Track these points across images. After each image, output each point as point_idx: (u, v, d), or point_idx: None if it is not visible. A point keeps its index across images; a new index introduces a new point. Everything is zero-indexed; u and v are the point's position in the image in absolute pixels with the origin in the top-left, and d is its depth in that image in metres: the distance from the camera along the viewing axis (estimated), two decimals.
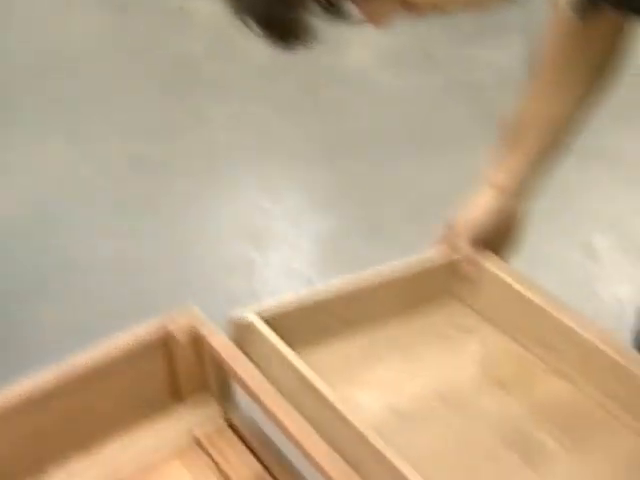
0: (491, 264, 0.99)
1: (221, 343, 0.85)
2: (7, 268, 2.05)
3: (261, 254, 2.16)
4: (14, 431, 0.81)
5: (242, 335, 0.87)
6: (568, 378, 0.91)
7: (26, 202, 2.31)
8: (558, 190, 2.29)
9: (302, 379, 0.80)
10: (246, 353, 0.85)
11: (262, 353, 0.85)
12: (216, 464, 0.84)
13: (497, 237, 1.00)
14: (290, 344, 0.84)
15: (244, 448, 0.86)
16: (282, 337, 0.85)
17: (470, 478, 0.81)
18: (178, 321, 0.87)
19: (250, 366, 0.83)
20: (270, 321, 0.86)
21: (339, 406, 0.77)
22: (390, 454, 0.72)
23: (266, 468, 0.84)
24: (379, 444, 0.73)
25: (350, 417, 0.76)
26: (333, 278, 0.94)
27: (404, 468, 0.71)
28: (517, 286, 0.96)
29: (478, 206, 0.98)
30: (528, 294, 0.95)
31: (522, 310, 0.95)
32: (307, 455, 0.75)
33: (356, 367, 0.92)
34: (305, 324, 0.92)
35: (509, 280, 0.97)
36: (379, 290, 0.96)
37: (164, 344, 0.86)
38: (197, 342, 0.86)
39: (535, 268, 2.03)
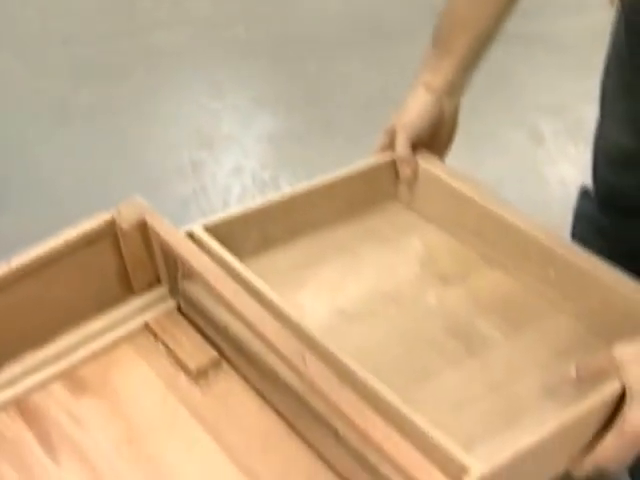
0: (428, 163, 1.01)
1: (168, 230, 0.85)
2: None
3: (212, 156, 2.14)
4: None
5: None
6: (506, 269, 0.94)
7: None
8: (505, 78, 2.30)
9: (247, 284, 0.81)
10: None
11: None
12: (171, 351, 0.86)
13: (432, 136, 1.02)
14: (236, 254, 0.85)
15: (197, 335, 0.88)
16: (228, 248, 0.86)
17: (415, 368, 0.82)
18: (125, 212, 0.87)
19: (197, 251, 0.83)
20: (214, 232, 0.87)
21: (284, 307, 0.78)
22: (334, 349, 0.74)
23: (221, 354, 0.85)
24: (323, 341, 0.74)
25: (294, 317, 0.77)
26: (285, 178, 0.95)
27: (348, 361, 0.73)
28: (453, 182, 0.98)
29: (413, 108, 1.00)
30: (463, 189, 0.97)
31: (459, 206, 0.97)
32: (260, 335, 0.76)
33: (300, 272, 0.93)
34: (249, 234, 0.93)
35: (445, 177, 0.99)
36: (321, 196, 0.97)
37: (111, 235, 0.86)
38: (145, 231, 0.86)
39: (484, 154, 2.07)
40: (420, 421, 0.67)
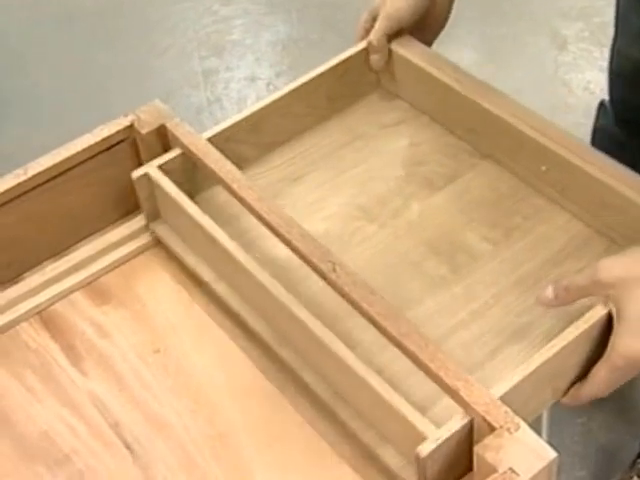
0: (405, 49, 0.92)
1: (189, 135, 0.82)
2: None
3: (224, 64, 2.09)
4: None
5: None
6: (499, 164, 0.87)
7: None
8: None
9: (200, 228, 0.77)
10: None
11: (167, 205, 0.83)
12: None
13: (420, 23, 0.93)
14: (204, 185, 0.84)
15: None
16: (194, 179, 0.83)
17: (396, 297, 0.77)
18: (144, 117, 0.84)
19: (219, 156, 0.80)
20: (177, 168, 0.83)
21: (240, 257, 0.75)
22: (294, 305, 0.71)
23: None
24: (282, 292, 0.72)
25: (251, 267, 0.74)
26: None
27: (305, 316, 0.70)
28: (433, 71, 0.89)
29: None
30: (444, 78, 0.88)
31: (442, 95, 0.90)
32: (286, 241, 0.74)
33: (279, 189, 0.88)
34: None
35: (424, 65, 0.90)
36: (298, 99, 0.90)
37: (130, 141, 0.83)
38: (164, 137, 0.83)
39: (503, 58, 2.01)
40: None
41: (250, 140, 0.89)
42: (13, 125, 1.95)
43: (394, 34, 0.92)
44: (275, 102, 0.89)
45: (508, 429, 0.59)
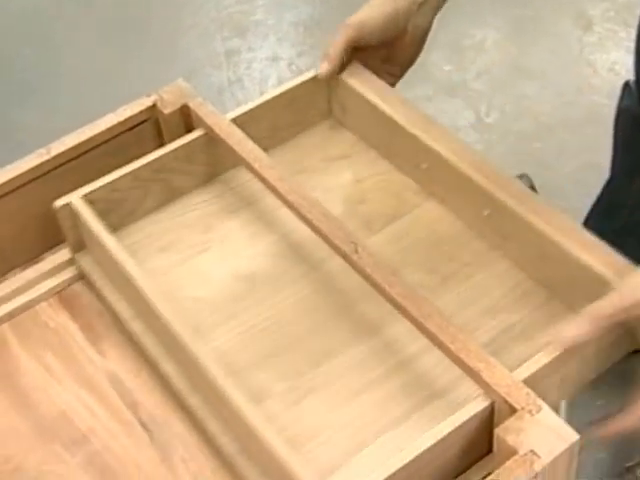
0: (355, 78, 0.86)
1: (212, 115, 0.82)
2: None
3: (246, 44, 2.08)
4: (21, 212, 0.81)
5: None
6: (443, 204, 0.82)
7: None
8: None
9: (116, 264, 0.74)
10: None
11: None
12: None
13: (387, 47, 0.87)
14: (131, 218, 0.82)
15: None
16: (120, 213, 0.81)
17: (321, 340, 0.74)
18: (167, 97, 0.84)
19: (242, 136, 0.80)
20: (102, 198, 0.79)
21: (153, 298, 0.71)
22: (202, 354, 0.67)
23: None
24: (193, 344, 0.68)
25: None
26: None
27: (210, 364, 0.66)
28: (380, 104, 0.84)
29: (371, 6, 0.86)
30: (391, 113, 0.83)
31: (389, 130, 0.84)
32: (307, 222, 0.74)
33: (199, 232, 0.83)
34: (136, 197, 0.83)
35: (372, 98, 0.84)
36: (243, 125, 0.82)
37: (153, 121, 0.84)
38: (187, 117, 0.83)
39: (527, 39, 2.00)
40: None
41: (178, 171, 0.84)
42: (35, 105, 1.95)
43: (355, 49, 0.85)
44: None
45: (530, 411, 0.59)
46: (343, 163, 0.88)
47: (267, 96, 0.86)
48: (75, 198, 0.77)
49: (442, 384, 0.69)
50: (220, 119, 0.82)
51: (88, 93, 1.92)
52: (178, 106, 0.83)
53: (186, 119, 0.84)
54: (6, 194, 0.79)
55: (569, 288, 0.72)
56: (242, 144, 0.80)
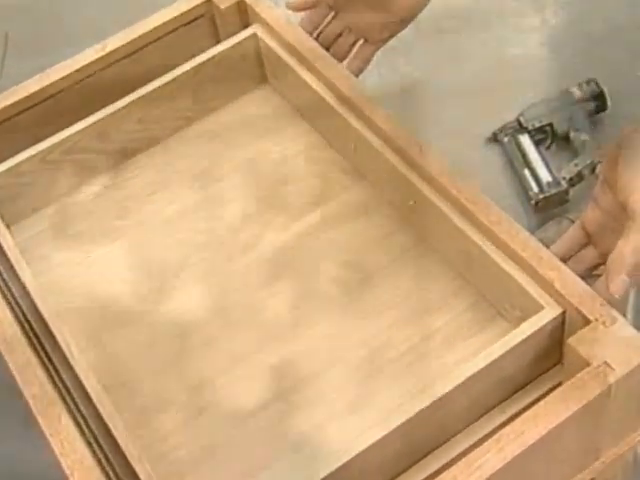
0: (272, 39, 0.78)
1: (269, 10, 0.78)
2: None
3: None
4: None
5: None
6: (373, 187, 0.74)
7: None
8: None
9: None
10: None
11: None
12: None
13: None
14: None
15: None
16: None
17: (234, 336, 0.68)
18: None
19: (301, 32, 0.76)
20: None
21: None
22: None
23: None
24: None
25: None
26: None
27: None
28: (304, 74, 0.76)
29: None
30: (317, 87, 0.75)
31: (316, 102, 0.76)
32: (371, 123, 0.71)
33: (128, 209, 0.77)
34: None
35: (294, 64, 0.77)
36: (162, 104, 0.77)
37: (209, 16, 0.81)
38: (244, 13, 0.80)
39: None
40: None
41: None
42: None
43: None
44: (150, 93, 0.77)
45: (604, 322, 0.56)
46: (272, 138, 0.79)
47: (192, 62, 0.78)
48: None
49: None
50: (277, 15, 0.78)
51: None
52: (234, 1, 0.79)
53: (243, 15, 0.80)
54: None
55: (498, 294, 0.65)
56: (301, 39, 0.76)
